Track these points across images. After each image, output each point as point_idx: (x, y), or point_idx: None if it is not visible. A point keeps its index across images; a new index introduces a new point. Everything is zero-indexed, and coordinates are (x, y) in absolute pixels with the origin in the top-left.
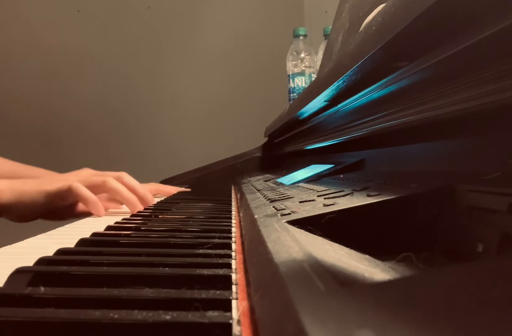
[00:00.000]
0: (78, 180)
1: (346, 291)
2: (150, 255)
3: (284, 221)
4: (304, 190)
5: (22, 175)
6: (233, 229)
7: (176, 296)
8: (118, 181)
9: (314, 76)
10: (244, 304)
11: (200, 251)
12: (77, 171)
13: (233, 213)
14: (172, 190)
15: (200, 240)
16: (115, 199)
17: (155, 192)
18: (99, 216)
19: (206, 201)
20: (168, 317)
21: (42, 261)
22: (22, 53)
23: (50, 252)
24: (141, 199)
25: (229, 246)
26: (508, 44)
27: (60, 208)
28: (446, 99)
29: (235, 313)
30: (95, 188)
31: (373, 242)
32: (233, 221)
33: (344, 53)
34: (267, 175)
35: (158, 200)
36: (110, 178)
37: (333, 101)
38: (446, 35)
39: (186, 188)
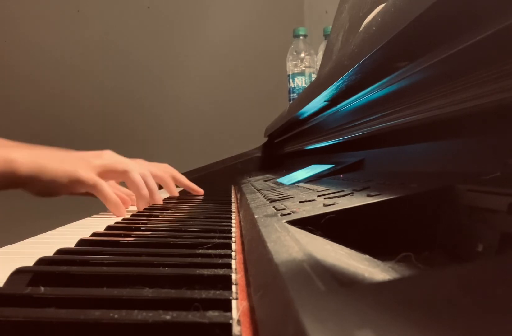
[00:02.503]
0: (99, 163)
1: (346, 291)
2: (150, 255)
3: (284, 221)
4: (304, 190)
5: None
6: (233, 229)
7: (176, 296)
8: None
9: (314, 76)
10: (244, 304)
11: (200, 251)
12: (99, 151)
13: (233, 213)
14: (187, 182)
15: (200, 240)
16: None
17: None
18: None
19: (206, 201)
20: (168, 317)
21: (42, 261)
22: (21, 53)
23: (50, 252)
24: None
25: (229, 246)
26: (508, 44)
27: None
28: (446, 99)
29: (235, 313)
30: (115, 175)
31: (373, 242)
32: (233, 221)
33: (344, 53)
34: (267, 175)
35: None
36: (133, 169)
37: (333, 101)
38: (446, 35)
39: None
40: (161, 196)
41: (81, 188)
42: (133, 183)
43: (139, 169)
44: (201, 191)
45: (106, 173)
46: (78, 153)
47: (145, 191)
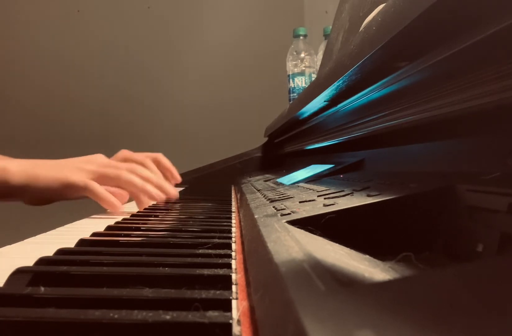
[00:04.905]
0: (91, 169)
1: (346, 291)
2: (150, 255)
3: (284, 221)
4: (304, 190)
5: None
6: (233, 229)
7: (176, 296)
8: (132, 172)
9: (314, 76)
10: (244, 304)
11: (200, 251)
12: (89, 156)
13: (233, 213)
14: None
15: (200, 240)
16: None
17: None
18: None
19: (206, 201)
20: (168, 317)
21: (42, 261)
22: (21, 53)
23: (50, 252)
24: (158, 188)
25: (229, 246)
26: (508, 44)
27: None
28: (446, 99)
29: (235, 313)
30: (108, 180)
31: (373, 242)
32: (233, 221)
33: (344, 53)
34: (267, 175)
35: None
36: (124, 171)
37: (333, 101)
38: (446, 35)
39: (185, 187)
40: (172, 187)
41: (73, 192)
42: (130, 184)
43: (131, 168)
44: (178, 179)
45: (99, 179)
46: (69, 160)
47: (147, 186)
